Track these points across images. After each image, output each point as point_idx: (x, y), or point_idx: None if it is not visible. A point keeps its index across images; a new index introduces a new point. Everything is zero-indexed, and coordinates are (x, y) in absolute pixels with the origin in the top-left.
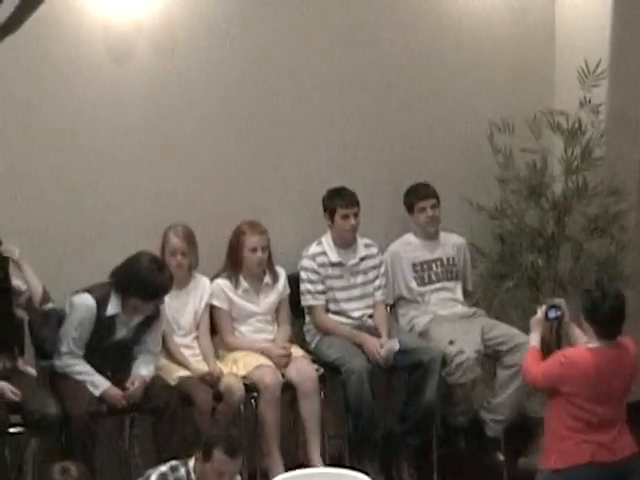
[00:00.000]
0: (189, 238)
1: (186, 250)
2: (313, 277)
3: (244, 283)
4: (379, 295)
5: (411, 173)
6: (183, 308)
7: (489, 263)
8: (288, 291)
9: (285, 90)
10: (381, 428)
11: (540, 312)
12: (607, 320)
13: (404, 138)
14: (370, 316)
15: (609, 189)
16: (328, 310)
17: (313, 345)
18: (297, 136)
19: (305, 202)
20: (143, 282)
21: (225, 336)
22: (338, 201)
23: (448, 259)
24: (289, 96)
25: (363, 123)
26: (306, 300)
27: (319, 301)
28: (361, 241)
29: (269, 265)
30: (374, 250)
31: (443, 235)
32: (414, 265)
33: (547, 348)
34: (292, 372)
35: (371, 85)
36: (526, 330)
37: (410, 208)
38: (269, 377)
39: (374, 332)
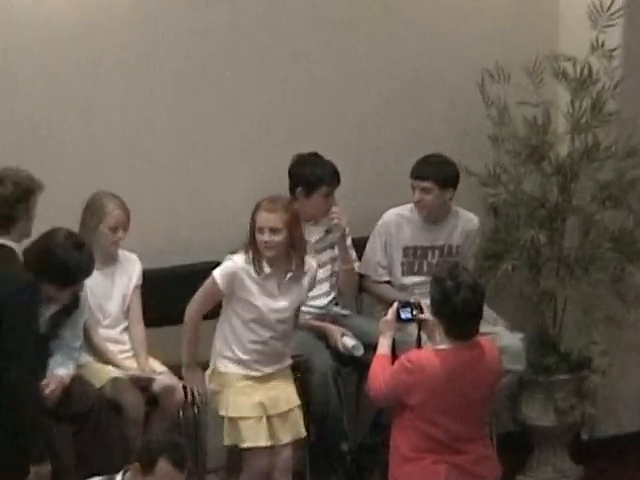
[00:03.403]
0: (127, 210)
1: (127, 225)
2: None
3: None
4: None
5: (387, 131)
6: (109, 292)
7: (480, 240)
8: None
9: (240, 35)
10: (350, 438)
11: (391, 312)
12: (459, 315)
13: (382, 90)
14: (336, 304)
15: (624, 150)
16: None
17: None
18: (257, 92)
19: (267, 170)
20: (58, 265)
21: None
22: (321, 176)
23: (450, 247)
24: (245, 40)
25: (335, 74)
26: None
27: None
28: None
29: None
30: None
31: (452, 217)
32: (405, 248)
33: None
34: None
35: (345, 25)
36: (523, 322)
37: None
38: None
39: (341, 321)
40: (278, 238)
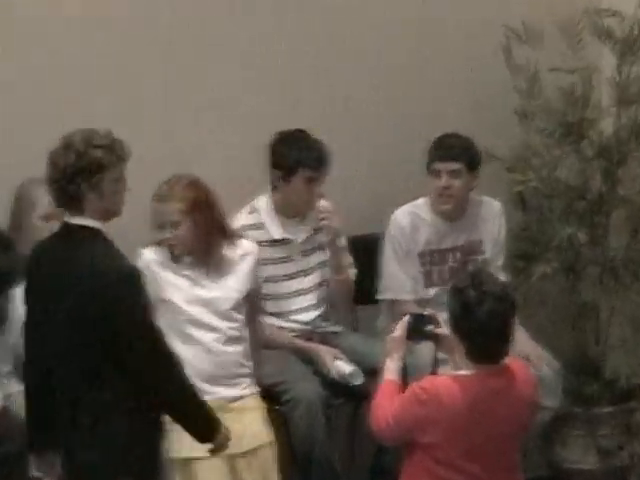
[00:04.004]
0: None
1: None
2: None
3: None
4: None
5: (390, 108)
6: None
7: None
8: None
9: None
10: None
11: (400, 327)
12: (483, 332)
13: (384, 56)
14: (326, 319)
15: None
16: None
17: None
18: (234, 62)
19: (243, 150)
20: None
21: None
22: (303, 156)
23: (472, 244)
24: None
25: (325, 38)
26: None
27: None
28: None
29: None
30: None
31: (471, 207)
32: (422, 255)
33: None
34: None
35: None
36: (557, 341)
37: (428, 167)
38: None
39: (332, 340)
40: (181, 232)
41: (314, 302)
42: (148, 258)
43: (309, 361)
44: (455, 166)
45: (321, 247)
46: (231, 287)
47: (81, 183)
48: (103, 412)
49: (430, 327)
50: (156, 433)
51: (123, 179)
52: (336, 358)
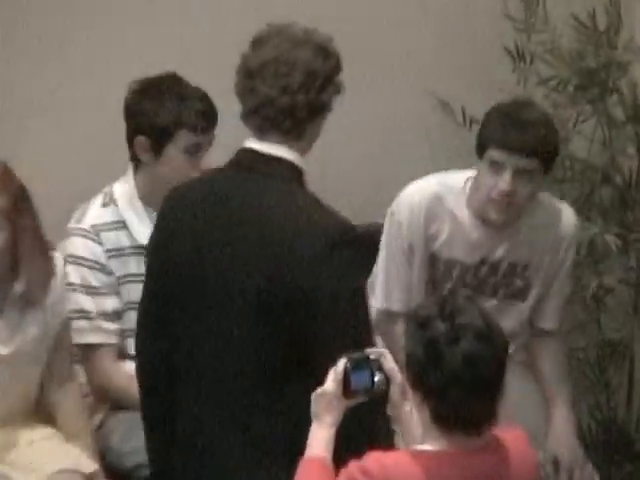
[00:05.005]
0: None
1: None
2: (93, 279)
3: None
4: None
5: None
6: None
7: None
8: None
9: None
10: None
11: (332, 378)
12: (458, 386)
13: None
14: None
15: None
16: (125, 355)
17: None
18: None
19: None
20: None
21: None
22: (183, 114)
23: (515, 266)
24: None
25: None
26: (77, 331)
27: (106, 337)
28: None
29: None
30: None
31: (527, 216)
32: (434, 259)
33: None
34: None
35: None
36: (574, 396)
37: (480, 150)
38: None
39: None
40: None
41: None
42: None
43: None
44: (529, 164)
45: None
46: (34, 338)
47: (330, 96)
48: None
49: (378, 378)
50: None
51: None
52: None
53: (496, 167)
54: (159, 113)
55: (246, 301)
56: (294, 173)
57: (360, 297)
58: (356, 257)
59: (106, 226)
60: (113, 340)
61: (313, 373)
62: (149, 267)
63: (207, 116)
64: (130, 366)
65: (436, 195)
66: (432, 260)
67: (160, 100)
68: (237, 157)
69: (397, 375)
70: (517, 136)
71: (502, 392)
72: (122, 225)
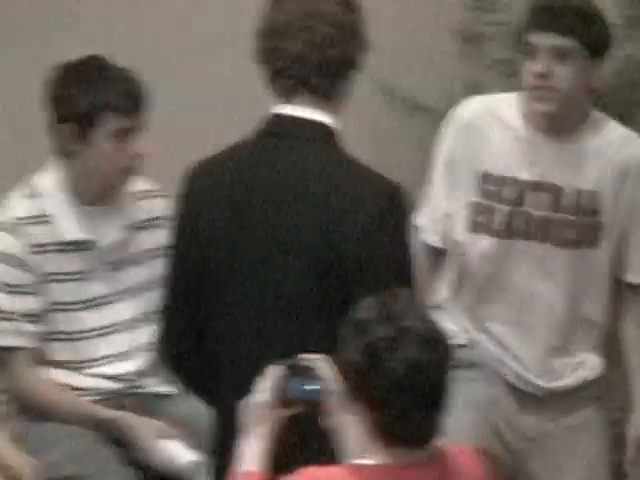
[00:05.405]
0: None
1: None
2: (10, 278)
3: None
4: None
5: None
6: None
7: None
8: None
9: None
10: None
11: (265, 387)
12: (400, 395)
13: None
14: (148, 374)
15: None
16: (45, 360)
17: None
18: None
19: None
20: None
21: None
22: (109, 97)
23: (579, 194)
24: None
25: None
26: None
27: (25, 340)
28: (135, 187)
29: None
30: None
31: (591, 131)
32: (485, 177)
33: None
34: None
35: None
36: None
37: (521, 44)
38: None
39: (158, 408)
40: None
41: (125, 349)
42: None
43: (119, 441)
44: (565, 43)
45: (150, 256)
46: None
47: (357, 51)
48: None
49: (312, 387)
50: None
51: None
52: (163, 437)
53: (532, 51)
54: (80, 97)
55: (301, 261)
56: (329, 135)
57: (410, 256)
58: (405, 216)
59: (30, 220)
60: (32, 344)
61: None
62: (179, 238)
63: (132, 97)
64: (51, 373)
65: (487, 107)
66: (485, 178)
67: (80, 84)
68: (267, 124)
69: (334, 384)
70: (551, 15)
71: (447, 402)
72: (46, 220)
